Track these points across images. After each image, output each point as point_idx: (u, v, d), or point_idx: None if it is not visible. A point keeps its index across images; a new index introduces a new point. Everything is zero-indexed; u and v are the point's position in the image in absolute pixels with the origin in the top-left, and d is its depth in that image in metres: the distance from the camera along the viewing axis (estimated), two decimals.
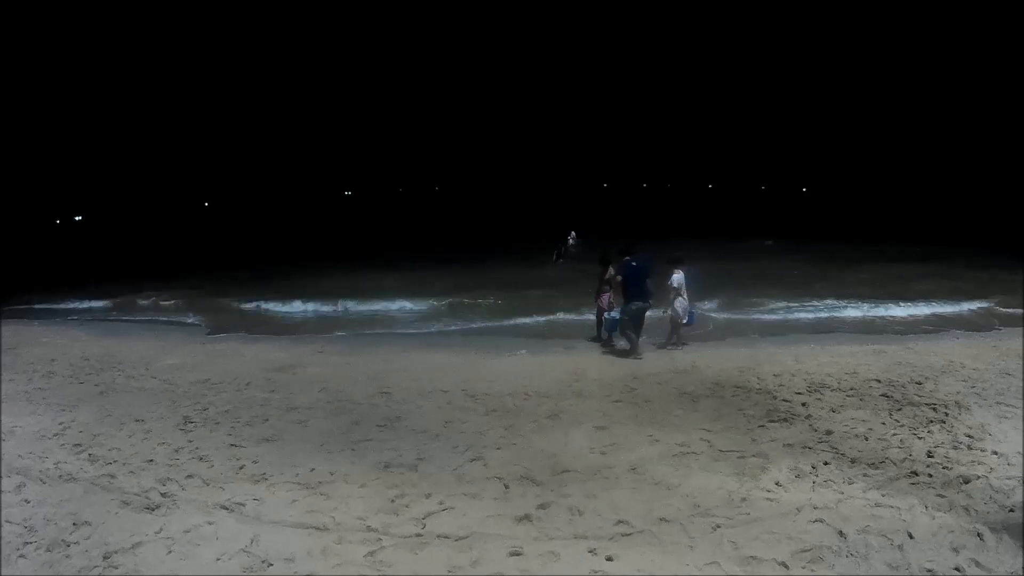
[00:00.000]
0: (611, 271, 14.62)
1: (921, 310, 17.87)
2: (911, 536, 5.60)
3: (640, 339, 13.64)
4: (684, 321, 14.05)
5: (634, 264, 13.46)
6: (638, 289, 13.39)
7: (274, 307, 21.79)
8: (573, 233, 18.32)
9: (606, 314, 14.76)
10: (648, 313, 13.78)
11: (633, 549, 5.71)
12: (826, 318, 17.66)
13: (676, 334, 14.17)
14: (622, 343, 14.01)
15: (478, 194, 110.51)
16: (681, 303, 13.93)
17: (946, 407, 8.93)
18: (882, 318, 17.52)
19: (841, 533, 5.72)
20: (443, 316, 19.76)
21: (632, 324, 13.53)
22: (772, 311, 18.38)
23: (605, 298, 14.75)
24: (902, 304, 18.23)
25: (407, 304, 20.89)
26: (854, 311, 18.14)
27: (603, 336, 14.85)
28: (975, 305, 17.85)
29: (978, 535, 5.56)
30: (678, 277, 13.92)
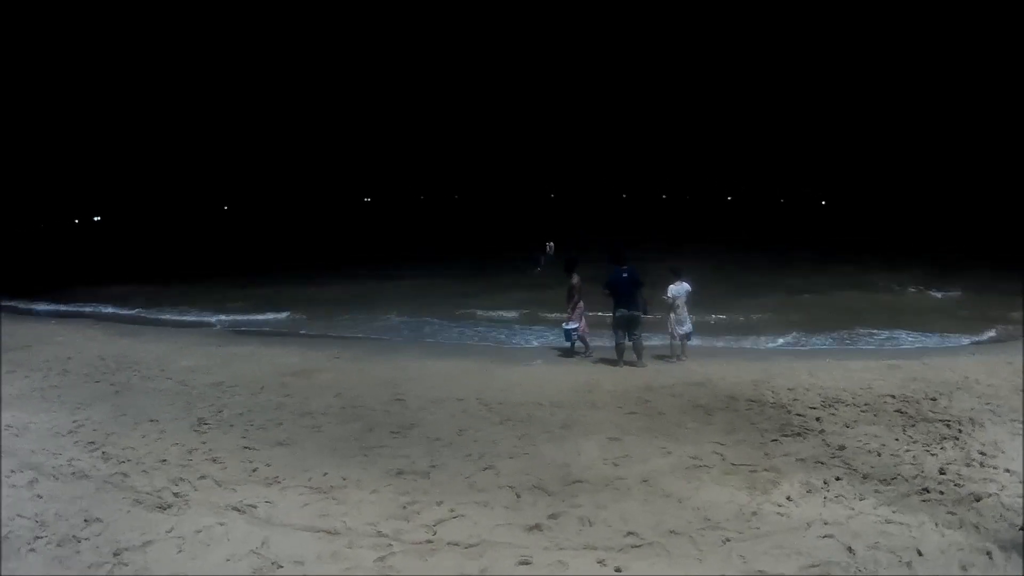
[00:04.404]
0: (575, 279, 14.59)
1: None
2: (920, 553, 5.58)
3: (644, 349, 13.75)
4: (681, 332, 14.00)
5: (623, 275, 13.52)
6: (625, 297, 13.46)
7: (286, 311, 22.08)
8: (551, 243, 18.49)
9: (564, 324, 14.81)
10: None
11: (642, 560, 5.73)
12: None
13: (680, 346, 14.11)
14: (579, 348, 14.58)
15: (496, 203, 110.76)
16: (676, 316, 13.92)
17: (960, 424, 8.84)
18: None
19: (850, 549, 5.70)
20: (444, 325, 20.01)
21: (623, 331, 13.60)
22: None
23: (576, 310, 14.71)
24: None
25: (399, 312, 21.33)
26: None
27: (578, 348, 14.89)
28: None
29: (987, 553, 5.53)
30: (674, 289, 13.90)
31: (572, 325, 14.51)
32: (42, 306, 25.25)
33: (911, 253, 34.60)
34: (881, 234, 51.06)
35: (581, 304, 14.58)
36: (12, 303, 25.14)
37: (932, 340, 16.76)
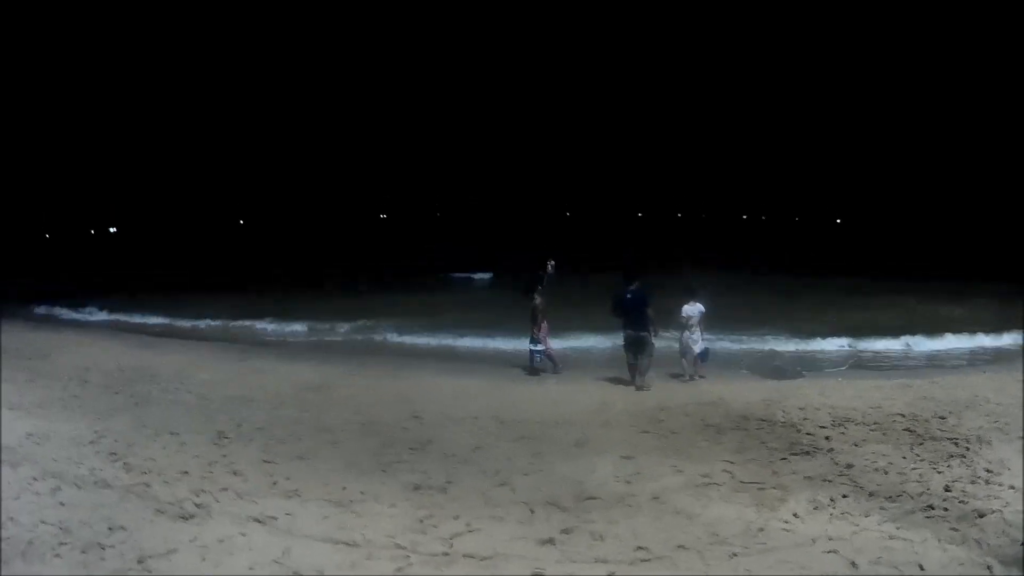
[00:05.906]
0: (536, 300, 14.87)
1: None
2: (921, 568, 5.69)
3: (649, 370, 13.60)
4: (694, 352, 14.03)
5: (628, 295, 13.51)
6: (630, 318, 13.47)
7: (303, 327, 22.38)
8: (552, 262, 18.66)
9: (529, 347, 15.11)
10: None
11: (651, 574, 5.87)
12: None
13: (690, 367, 14.13)
14: (546, 366, 14.94)
15: (512, 220, 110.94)
16: (688, 336, 13.99)
17: (968, 442, 8.92)
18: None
19: (853, 564, 5.81)
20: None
21: (630, 353, 13.57)
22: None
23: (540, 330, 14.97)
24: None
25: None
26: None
27: (541, 366, 15.12)
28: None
29: (988, 568, 5.64)
30: (687, 309, 14.01)
31: (539, 347, 14.78)
32: (59, 313, 25.79)
33: (951, 277, 33.90)
34: (911, 256, 50.71)
35: (545, 324, 14.83)
36: (27, 310, 25.66)
37: None
